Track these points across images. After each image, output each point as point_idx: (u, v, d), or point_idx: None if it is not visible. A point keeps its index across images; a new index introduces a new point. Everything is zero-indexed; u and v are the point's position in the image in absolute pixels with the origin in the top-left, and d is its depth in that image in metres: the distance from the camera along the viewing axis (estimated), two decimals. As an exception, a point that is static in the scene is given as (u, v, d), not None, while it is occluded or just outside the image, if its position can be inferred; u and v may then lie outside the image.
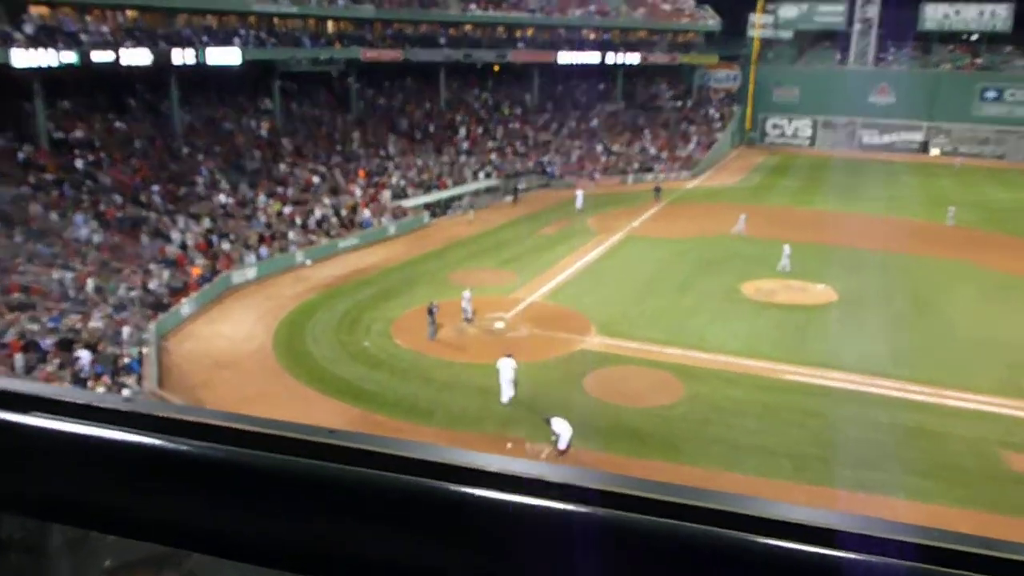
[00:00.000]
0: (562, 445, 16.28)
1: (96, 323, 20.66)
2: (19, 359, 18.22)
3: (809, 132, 60.76)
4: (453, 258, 32.69)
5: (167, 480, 0.81)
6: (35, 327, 19.56)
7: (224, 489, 0.80)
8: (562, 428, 16.36)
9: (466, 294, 24.58)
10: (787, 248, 29.66)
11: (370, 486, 0.78)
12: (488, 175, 48.27)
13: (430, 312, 23.61)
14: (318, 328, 24.77)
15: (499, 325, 24.99)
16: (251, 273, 29.13)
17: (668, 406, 19.30)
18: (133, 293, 23.62)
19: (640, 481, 0.78)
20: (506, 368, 19.08)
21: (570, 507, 0.74)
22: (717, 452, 16.93)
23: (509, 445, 16.21)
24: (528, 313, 26.28)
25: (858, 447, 16.74)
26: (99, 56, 28.05)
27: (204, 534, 0.80)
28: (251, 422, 0.87)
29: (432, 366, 21.81)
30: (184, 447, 0.82)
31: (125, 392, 17.04)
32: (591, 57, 53.04)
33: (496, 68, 51.50)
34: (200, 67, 32.87)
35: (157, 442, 0.83)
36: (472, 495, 0.76)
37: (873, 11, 56.17)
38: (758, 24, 57.74)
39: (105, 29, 30.00)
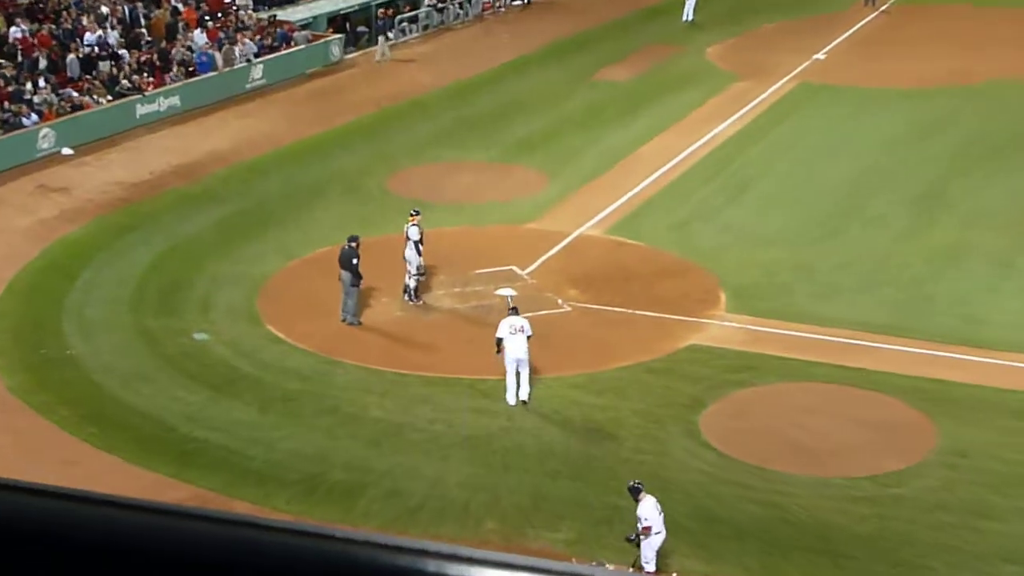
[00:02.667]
0: (648, 564, 17.49)
1: None
2: None
3: None
4: (398, 141, 33.69)
5: None
6: None
7: None
8: (651, 516, 17.51)
9: (411, 230, 25.33)
10: None
11: None
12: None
13: (349, 266, 24.55)
14: (92, 301, 25.73)
15: (506, 292, 25.95)
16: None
17: (899, 474, 20.09)
18: None
19: None
20: (516, 340, 21.42)
21: None
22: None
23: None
24: (572, 264, 27.28)
25: None
26: None
27: None
28: None
29: (355, 385, 22.96)
30: None
31: None
32: None
33: None
34: None
35: None
36: None
37: None
38: None
39: None
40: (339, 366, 23.83)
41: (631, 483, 17.84)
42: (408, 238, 25.61)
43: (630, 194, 31.35)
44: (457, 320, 25.92)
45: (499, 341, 21.75)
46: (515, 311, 22.26)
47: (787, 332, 24.80)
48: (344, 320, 25.09)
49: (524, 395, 21.98)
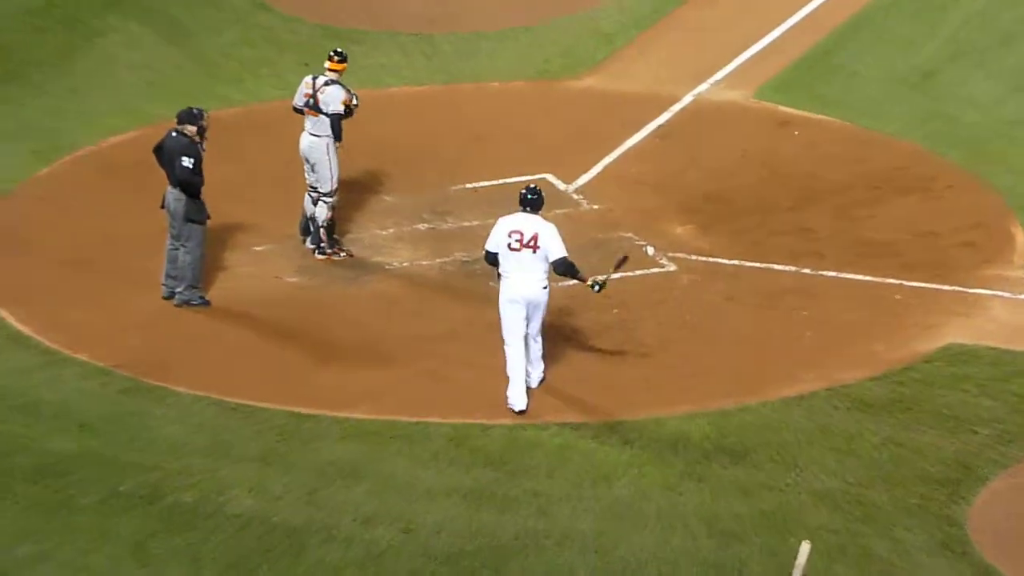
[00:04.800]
0: None
1: None
2: None
3: None
4: None
5: None
6: None
7: None
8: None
9: (329, 91, 20.14)
10: None
11: None
12: None
13: (183, 178, 19.24)
14: None
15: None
16: None
17: None
18: None
19: None
20: (522, 264, 16.94)
21: None
22: None
23: None
24: (679, 169, 22.20)
25: None
26: None
27: None
28: None
29: (199, 444, 16.71)
30: None
31: None
32: None
33: None
34: None
35: None
36: None
37: None
38: None
39: None
40: (163, 399, 16.95)
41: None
42: (322, 111, 19.16)
43: (802, 13, 24.70)
44: (424, 292, 19.13)
45: (490, 260, 16.17)
46: (534, 199, 15.91)
47: None
48: (172, 295, 18.45)
49: (533, 377, 16.75)
